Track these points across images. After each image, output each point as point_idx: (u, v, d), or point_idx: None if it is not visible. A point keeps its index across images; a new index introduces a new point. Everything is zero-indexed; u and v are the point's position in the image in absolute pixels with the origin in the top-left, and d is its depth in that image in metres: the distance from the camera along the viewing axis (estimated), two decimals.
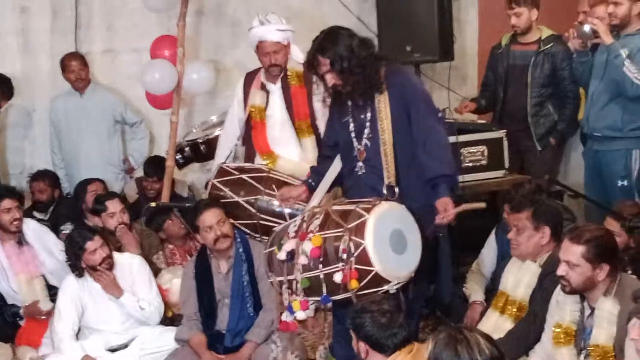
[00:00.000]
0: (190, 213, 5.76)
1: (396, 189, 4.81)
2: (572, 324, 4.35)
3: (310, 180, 5.27)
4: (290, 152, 6.05)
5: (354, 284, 4.45)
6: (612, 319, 4.18)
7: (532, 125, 6.92)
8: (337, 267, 4.48)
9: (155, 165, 7.24)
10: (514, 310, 4.94)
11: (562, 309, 4.41)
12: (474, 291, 5.64)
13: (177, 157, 6.95)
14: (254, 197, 5.65)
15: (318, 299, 4.64)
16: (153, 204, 6.47)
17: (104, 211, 6.15)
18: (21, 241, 6.08)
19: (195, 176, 7.79)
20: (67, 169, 7.54)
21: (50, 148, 7.63)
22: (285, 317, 4.75)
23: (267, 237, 5.36)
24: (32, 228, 6.18)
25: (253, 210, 5.63)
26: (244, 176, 5.73)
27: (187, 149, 6.94)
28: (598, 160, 6.28)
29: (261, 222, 5.62)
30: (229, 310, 5.47)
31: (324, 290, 4.56)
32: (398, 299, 4.53)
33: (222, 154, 6.28)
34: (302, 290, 4.63)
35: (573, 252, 4.23)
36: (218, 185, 5.78)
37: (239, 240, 5.51)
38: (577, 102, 6.94)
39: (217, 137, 6.60)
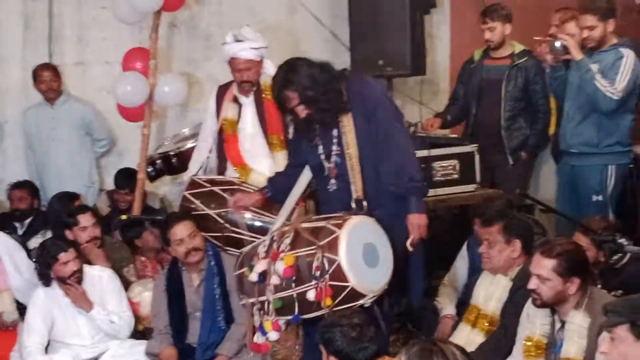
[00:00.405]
0: (162, 226, 5.73)
1: (364, 203, 4.81)
2: (543, 338, 4.37)
3: (266, 190, 5.32)
4: (262, 165, 6.01)
5: (328, 301, 4.43)
6: (582, 333, 4.20)
7: (505, 139, 6.96)
8: (311, 285, 4.45)
9: (126, 177, 7.20)
10: (486, 324, 4.95)
11: (533, 323, 4.42)
12: (446, 304, 5.63)
13: (149, 170, 6.89)
14: (224, 210, 5.63)
15: (290, 317, 4.62)
16: (124, 217, 6.44)
17: (75, 225, 6.07)
18: None
19: (167, 189, 7.75)
20: (39, 180, 7.50)
21: (25, 160, 7.59)
22: (257, 338, 4.73)
23: (236, 250, 5.37)
24: (3, 242, 6.10)
25: (223, 223, 5.62)
26: (215, 188, 5.71)
27: (158, 161, 6.88)
28: (574, 176, 6.33)
29: (232, 234, 5.60)
30: (200, 323, 5.44)
31: (297, 309, 4.54)
32: (372, 312, 4.53)
33: (195, 167, 6.26)
34: (274, 311, 4.60)
35: (544, 265, 4.26)
36: (189, 197, 5.76)
37: (210, 253, 5.48)
38: (548, 116, 7.01)
39: (189, 150, 6.57)
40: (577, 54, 6.07)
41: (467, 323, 5.04)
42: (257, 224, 5.56)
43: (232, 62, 5.97)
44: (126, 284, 5.95)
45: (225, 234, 5.61)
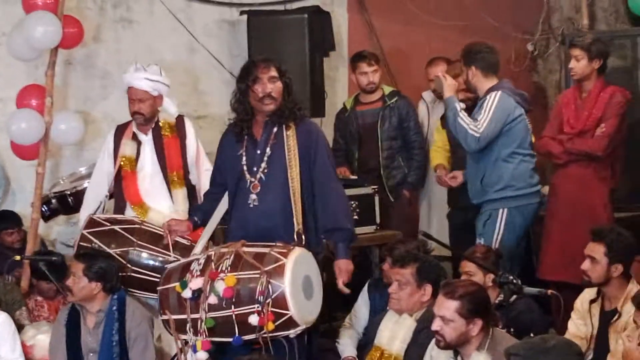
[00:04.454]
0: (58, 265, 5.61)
1: (303, 237, 4.86)
2: None
3: (195, 218, 5.32)
4: (161, 204, 5.96)
5: (270, 326, 4.50)
6: None
7: (385, 178, 7.12)
8: (253, 308, 4.51)
9: (8, 218, 6.97)
10: None
11: None
12: (347, 346, 5.63)
13: (43, 209, 6.75)
14: (125, 249, 5.54)
15: (229, 340, 4.62)
16: (17, 258, 6.24)
17: None
18: None
19: (60, 229, 7.56)
20: None
21: None
22: (189, 357, 4.70)
23: (138, 291, 5.43)
24: None
25: (124, 263, 5.52)
26: (115, 227, 5.62)
27: (53, 200, 6.75)
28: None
29: (132, 274, 5.51)
30: None
31: (236, 330, 4.56)
32: (292, 344, 4.66)
33: (89, 207, 6.14)
34: (206, 330, 4.62)
35: (447, 307, 4.30)
36: (88, 236, 5.65)
37: (115, 297, 5.35)
38: (424, 152, 7.17)
39: (85, 189, 6.45)
40: (447, 92, 6.02)
41: None
42: (157, 263, 5.49)
43: (129, 91, 6.01)
44: (18, 327, 5.77)
45: (128, 274, 5.50)
